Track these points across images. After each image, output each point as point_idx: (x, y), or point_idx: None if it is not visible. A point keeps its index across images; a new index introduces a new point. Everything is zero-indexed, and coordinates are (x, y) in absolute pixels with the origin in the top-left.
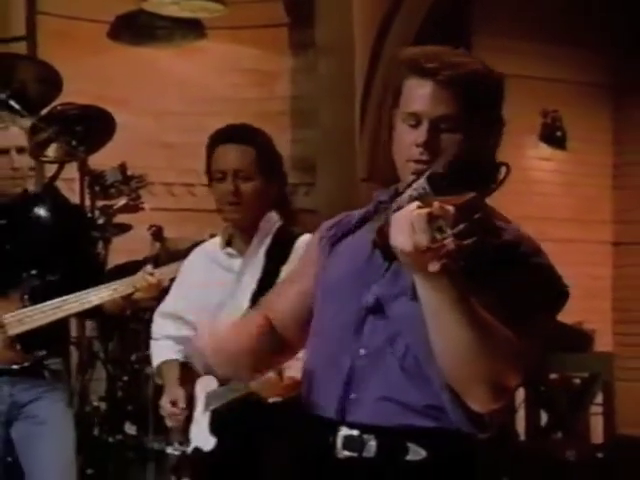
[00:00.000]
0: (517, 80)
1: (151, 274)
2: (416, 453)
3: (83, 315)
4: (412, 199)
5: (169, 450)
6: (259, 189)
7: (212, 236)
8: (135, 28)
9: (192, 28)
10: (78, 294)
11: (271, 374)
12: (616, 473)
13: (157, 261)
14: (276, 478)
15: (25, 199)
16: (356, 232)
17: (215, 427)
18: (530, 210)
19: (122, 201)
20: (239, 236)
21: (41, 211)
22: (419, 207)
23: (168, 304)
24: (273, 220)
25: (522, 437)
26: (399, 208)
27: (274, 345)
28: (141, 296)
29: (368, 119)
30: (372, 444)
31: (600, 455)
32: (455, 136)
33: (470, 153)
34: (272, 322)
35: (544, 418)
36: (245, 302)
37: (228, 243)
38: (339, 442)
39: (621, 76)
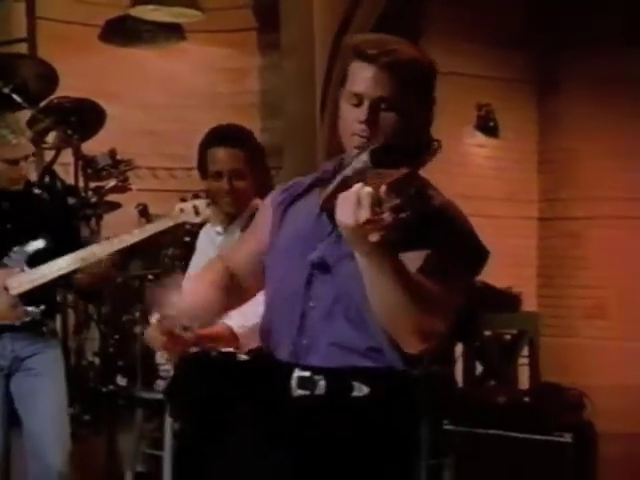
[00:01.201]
0: (456, 77)
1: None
2: (360, 390)
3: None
4: (355, 171)
5: (155, 397)
6: (251, 185)
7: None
8: (123, 31)
9: (173, 31)
10: (57, 261)
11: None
12: (539, 413)
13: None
14: (240, 417)
15: (27, 186)
16: (305, 196)
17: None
18: (468, 190)
19: (112, 182)
20: (227, 220)
21: (41, 194)
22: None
23: (189, 271)
24: (254, 205)
25: (460, 385)
26: (344, 177)
27: (233, 290)
28: (89, 271)
29: (327, 110)
30: (322, 383)
31: (526, 399)
32: (392, 114)
33: (406, 130)
34: (231, 271)
35: (479, 369)
36: None
37: (220, 222)
38: (294, 382)
39: (544, 73)
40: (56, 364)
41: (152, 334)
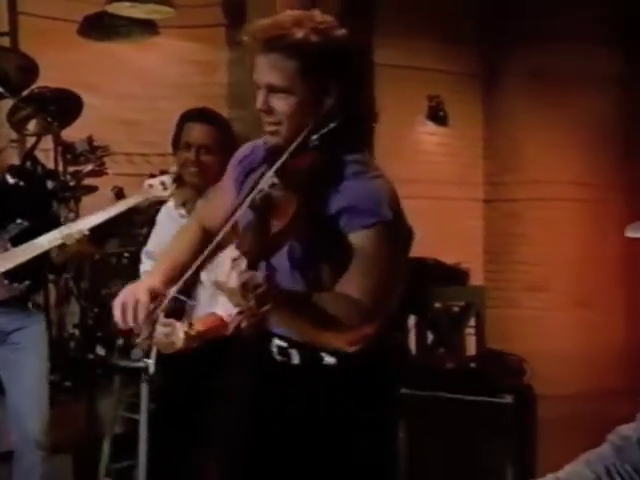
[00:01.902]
0: (409, 71)
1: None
2: (329, 359)
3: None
4: (261, 191)
5: (131, 365)
6: (217, 162)
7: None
8: (100, 26)
9: (147, 27)
10: (39, 239)
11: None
12: (484, 377)
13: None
14: (232, 378)
15: (10, 171)
16: (257, 170)
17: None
18: (420, 174)
19: (89, 167)
20: (193, 200)
21: (22, 179)
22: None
23: (148, 245)
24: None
25: (413, 352)
26: (260, 191)
27: (207, 243)
28: (70, 247)
29: None
30: (295, 354)
31: (472, 365)
32: (283, 100)
33: (300, 112)
34: (205, 227)
35: (430, 338)
36: None
37: (184, 204)
38: (274, 349)
39: (490, 68)
40: (40, 338)
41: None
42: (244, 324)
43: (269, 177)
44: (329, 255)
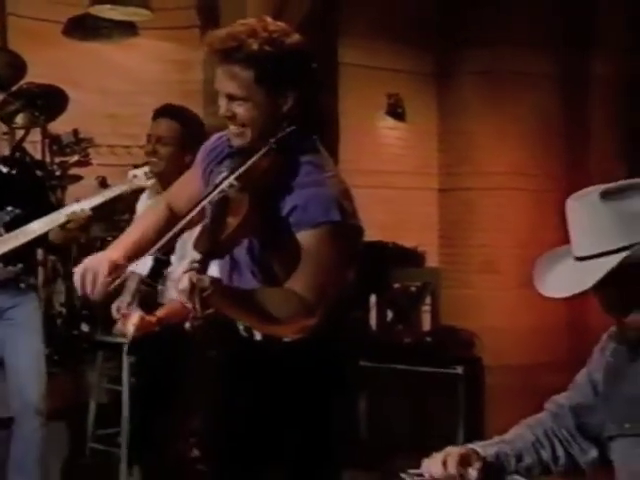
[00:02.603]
0: (370, 70)
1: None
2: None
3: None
4: (222, 192)
5: (113, 341)
6: (174, 153)
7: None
8: (84, 27)
9: (127, 28)
10: (30, 224)
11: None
12: (438, 351)
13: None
14: (202, 351)
15: (1, 161)
16: (222, 163)
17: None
18: (380, 166)
19: (75, 158)
20: (159, 190)
21: (14, 168)
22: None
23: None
24: None
25: (374, 328)
26: (221, 191)
27: (173, 224)
28: (73, 225)
29: None
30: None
31: (428, 339)
32: (243, 107)
33: (261, 117)
34: (172, 207)
35: (389, 315)
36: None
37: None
38: (241, 327)
39: (444, 68)
40: (34, 314)
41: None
42: (189, 322)
43: (230, 180)
44: (283, 252)
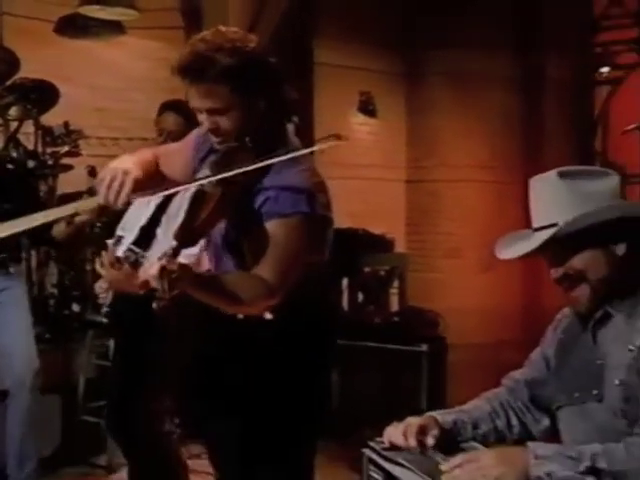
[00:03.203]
0: (343, 70)
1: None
2: (267, 315)
3: (40, 242)
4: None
5: (102, 320)
6: None
7: None
8: (74, 26)
9: (115, 27)
10: (31, 215)
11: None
12: (404, 330)
13: (92, 191)
14: (185, 338)
15: None
16: (206, 159)
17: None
18: (353, 159)
19: (65, 148)
20: None
21: (6, 160)
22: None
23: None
24: None
25: (346, 309)
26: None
27: (155, 175)
28: (81, 219)
29: None
30: None
31: (396, 319)
32: (228, 118)
33: (244, 123)
34: (158, 161)
35: (360, 297)
36: (145, 217)
37: None
38: None
39: (412, 68)
40: (22, 297)
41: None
42: (156, 303)
43: (211, 180)
44: (254, 240)
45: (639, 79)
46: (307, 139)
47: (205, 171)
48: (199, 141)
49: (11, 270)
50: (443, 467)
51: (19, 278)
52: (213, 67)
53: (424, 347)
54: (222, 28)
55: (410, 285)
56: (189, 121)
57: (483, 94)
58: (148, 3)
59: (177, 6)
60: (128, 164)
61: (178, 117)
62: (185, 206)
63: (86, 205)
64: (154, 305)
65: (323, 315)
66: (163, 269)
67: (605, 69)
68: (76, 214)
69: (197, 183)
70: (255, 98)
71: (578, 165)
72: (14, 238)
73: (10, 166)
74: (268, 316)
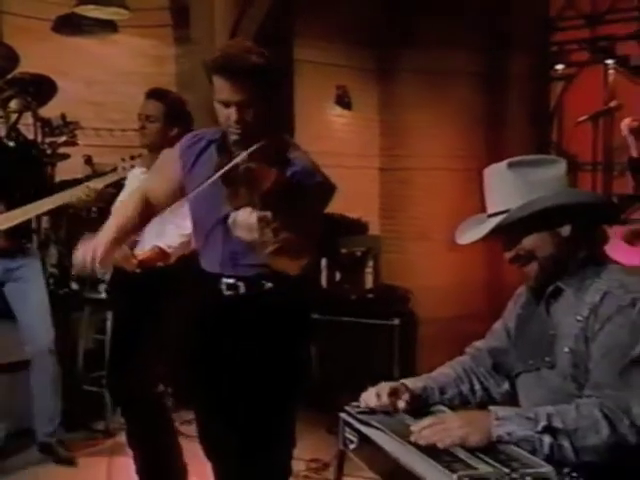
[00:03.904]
0: (321, 66)
1: (87, 186)
2: (267, 285)
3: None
4: (243, 161)
5: (98, 297)
6: (158, 130)
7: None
8: (70, 25)
9: (108, 26)
10: (41, 201)
11: (127, 250)
12: (378, 305)
13: (89, 178)
14: (181, 314)
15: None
16: (208, 150)
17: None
18: (330, 148)
19: (63, 139)
20: (150, 161)
21: (11, 150)
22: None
23: (117, 202)
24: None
25: (325, 287)
26: (234, 165)
27: (146, 211)
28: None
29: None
30: (242, 285)
31: (370, 296)
32: (251, 110)
33: (263, 118)
34: (146, 197)
35: (338, 276)
36: None
37: (147, 168)
38: (223, 286)
39: (385, 64)
40: (39, 272)
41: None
42: (266, 252)
43: (244, 155)
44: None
45: (590, 76)
46: (288, 130)
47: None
48: (183, 149)
49: (27, 246)
50: (413, 428)
51: (35, 254)
52: (245, 65)
53: (396, 321)
54: (247, 42)
55: (383, 265)
56: (169, 107)
57: (450, 89)
58: (139, 3)
59: (166, 5)
60: (98, 240)
61: (159, 103)
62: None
63: (88, 191)
64: (261, 254)
65: (307, 288)
66: (261, 219)
67: (560, 66)
68: (80, 200)
69: (232, 164)
70: (272, 94)
71: (536, 154)
72: (27, 223)
73: (19, 155)
74: (268, 285)
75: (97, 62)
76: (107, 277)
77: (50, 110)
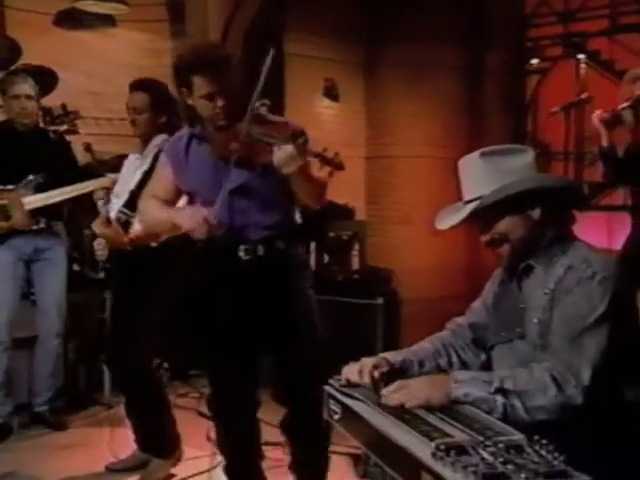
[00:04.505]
0: (310, 59)
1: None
2: (280, 244)
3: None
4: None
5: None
6: (147, 120)
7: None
8: (71, 19)
9: (107, 20)
10: (66, 188)
11: (119, 229)
12: (363, 285)
13: (88, 165)
14: (206, 279)
15: (36, 127)
16: (191, 145)
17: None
18: (318, 137)
19: (64, 127)
20: (142, 148)
21: (43, 137)
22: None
23: (115, 188)
24: (160, 138)
25: (314, 268)
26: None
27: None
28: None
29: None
30: (261, 247)
31: (356, 277)
32: (230, 95)
33: (238, 100)
34: (162, 201)
35: (326, 258)
36: (134, 183)
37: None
38: (242, 252)
39: (370, 58)
40: (62, 256)
41: (100, 228)
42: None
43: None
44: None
45: (563, 70)
46: None
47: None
48: (168, 154)
49: (55, 229)
50: (382, 392)
51: (61, 236)
52: (216, 57)
53: (380, 300)
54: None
55: (369, 248)
56: (154, 96)
57: (432, 82)
58: None
59: (162, 1)
60: None
61: (144, 94)
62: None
63: (109, 182)
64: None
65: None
66: (297, 145)
67: (535, 61)
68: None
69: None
70: (237, 81)
71: (512, 143)
72: (54, 205)
73: (51, 134)
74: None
75: (97, 55)
76: (104, 257)
77: (52, 100)
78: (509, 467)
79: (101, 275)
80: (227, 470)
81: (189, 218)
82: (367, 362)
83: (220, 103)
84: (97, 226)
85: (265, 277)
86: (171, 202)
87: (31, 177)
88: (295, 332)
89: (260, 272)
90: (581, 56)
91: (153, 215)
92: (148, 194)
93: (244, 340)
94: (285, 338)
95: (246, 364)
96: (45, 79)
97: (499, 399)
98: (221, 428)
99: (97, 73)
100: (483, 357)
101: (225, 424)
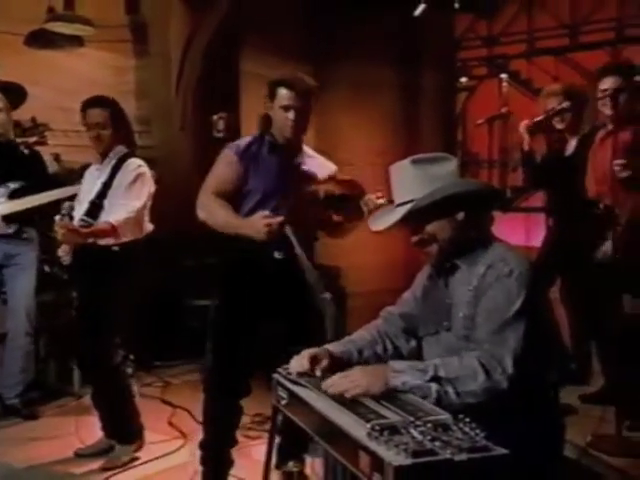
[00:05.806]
0: (264, 78)
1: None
2: (298, 250)
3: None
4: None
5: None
6: (111, 134)
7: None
8: (41, 39)
9: (76, 40)
10: (35, 196)
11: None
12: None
13: (57, 174)
14: (244, 273)
15: (7, 142)
16: (260, 154)
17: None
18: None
19: (34, 139)
20: (101, 159)
21: (14, 148)
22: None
23: (78, 196)
24: (119, 150)
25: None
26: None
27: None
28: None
29: (180, 94)
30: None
31: None
32: (301, 115)
33: (306, 123)
34: (221, 196)
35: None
36: (94, 193)
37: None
38: (276, 253)
39: (319, 77)
40: (33, 260)
41: (57, 229)
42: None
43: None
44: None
45: (488, 87)
46: (236, 132)
47: None
48: (240, 155)
49: (25, 236)
50: (327, 382)
51: (32, 242)
52: (308, 83)
53: (327, 295)
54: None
55: (318, 246)
56: (111, 111)
57: (374, 98)
58: (103, 20)
59: (126, 23)
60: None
61: (103, 110)
62: None
63: (71, 190)
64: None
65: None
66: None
67: (464, 79)
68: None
69: None
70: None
71: (443, 152)
72: (26, 211)
73: (23, 147)
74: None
75: (66, 72)
76: (68, 261)
77: (24, 114)
78: (437, 444)
79: (67, 275)
80: (204, 445)
81: (257, 232)
82: (307, 354)
83: (292, 117)
84: (57, 232)
85: (294, 275)
86: (228, 196)
87: (5, 185)
88: (313, 329)
89: (290, 270)
90: (503, 75)
91: (223, 216)
92: (208, 189)
93: (258, 331)
94: (302, 335)
95: (251, 352)
96: (13, 94)
97: (433, 386)
98: (211, 403)
99: (66, 89)
100: (413, 343)
101: (217, 400)
